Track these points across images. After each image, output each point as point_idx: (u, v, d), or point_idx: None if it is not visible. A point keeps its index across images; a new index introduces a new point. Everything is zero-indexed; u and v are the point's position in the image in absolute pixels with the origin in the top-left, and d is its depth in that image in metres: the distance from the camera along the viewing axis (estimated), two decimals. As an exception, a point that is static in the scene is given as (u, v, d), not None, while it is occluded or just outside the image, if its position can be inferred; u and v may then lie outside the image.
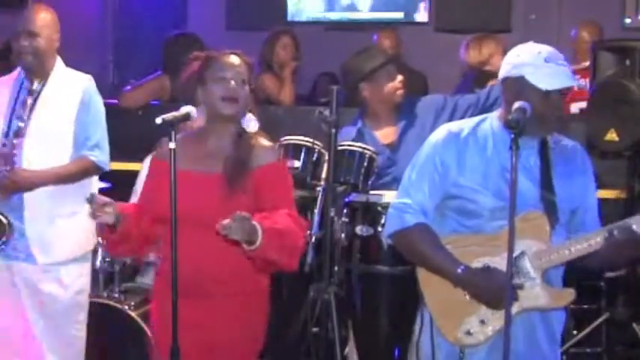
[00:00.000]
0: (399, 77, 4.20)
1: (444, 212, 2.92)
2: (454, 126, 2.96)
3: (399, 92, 4.19)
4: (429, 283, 2.88)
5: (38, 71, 3.71)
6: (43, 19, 3.71)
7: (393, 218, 2.94)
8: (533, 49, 2.84)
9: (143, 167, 4.72)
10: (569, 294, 2.83)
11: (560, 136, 2.96)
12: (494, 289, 2.73)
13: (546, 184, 2.83)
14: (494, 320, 2.78)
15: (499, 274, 2.74)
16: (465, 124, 2.95)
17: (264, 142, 2.99)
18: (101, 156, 3.80)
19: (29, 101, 3.67)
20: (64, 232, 3.72)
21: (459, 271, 2.77)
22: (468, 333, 2.82)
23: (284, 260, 2.81)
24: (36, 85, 3.68)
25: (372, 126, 4.20)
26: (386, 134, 4.19)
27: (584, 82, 5.02)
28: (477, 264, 2.81)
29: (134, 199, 4.67)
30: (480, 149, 2.87)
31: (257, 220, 2.67)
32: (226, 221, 2.58)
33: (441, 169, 2.87)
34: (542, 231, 2.79)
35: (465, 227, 2.87)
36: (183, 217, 2.70)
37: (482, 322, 2.81)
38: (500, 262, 2.76)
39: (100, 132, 3.81)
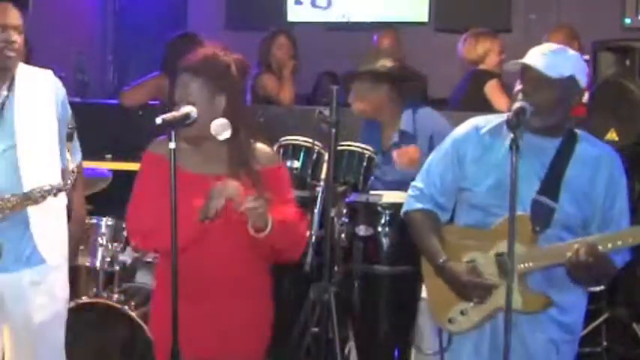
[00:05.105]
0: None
1: (461, 203, 2.99)
2: (480, 120, 2.97)
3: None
4: (429, 269, 2.98)
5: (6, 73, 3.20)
6: (18, 15, 3.19)
7: (408, 198, 3.08)
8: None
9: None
10: (543, 301, 2.80)
11: (595, 142, 2.90)
12: (461, 284, 2.83)
13: (549, 189, 2.80)
14: (473, 313, 2.87)
15: (470, 270, 2.83)
16: (492, 119, 2.95)
17: (263, 145, 2.98)
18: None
19: None
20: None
21: (440, 261, 2.89)
22: (451, 321, 2.91)
23: (289, 251, 2.92)
24: (4, 89, 3.18)
25: (383, 125, 4.22)
26: (388, 137, 4.19)
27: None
28: (466, 258, 2.88)
29: None
30: (496, 146, 2.87)
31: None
32: (251, 203, 2.66)
33: (458, 163, 2.93)
34: (524, 234, 2.75)
35: (472, 220, 2.92)
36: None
37: (462, 313, 2.89)
38: (483, 259, 2.84)
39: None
